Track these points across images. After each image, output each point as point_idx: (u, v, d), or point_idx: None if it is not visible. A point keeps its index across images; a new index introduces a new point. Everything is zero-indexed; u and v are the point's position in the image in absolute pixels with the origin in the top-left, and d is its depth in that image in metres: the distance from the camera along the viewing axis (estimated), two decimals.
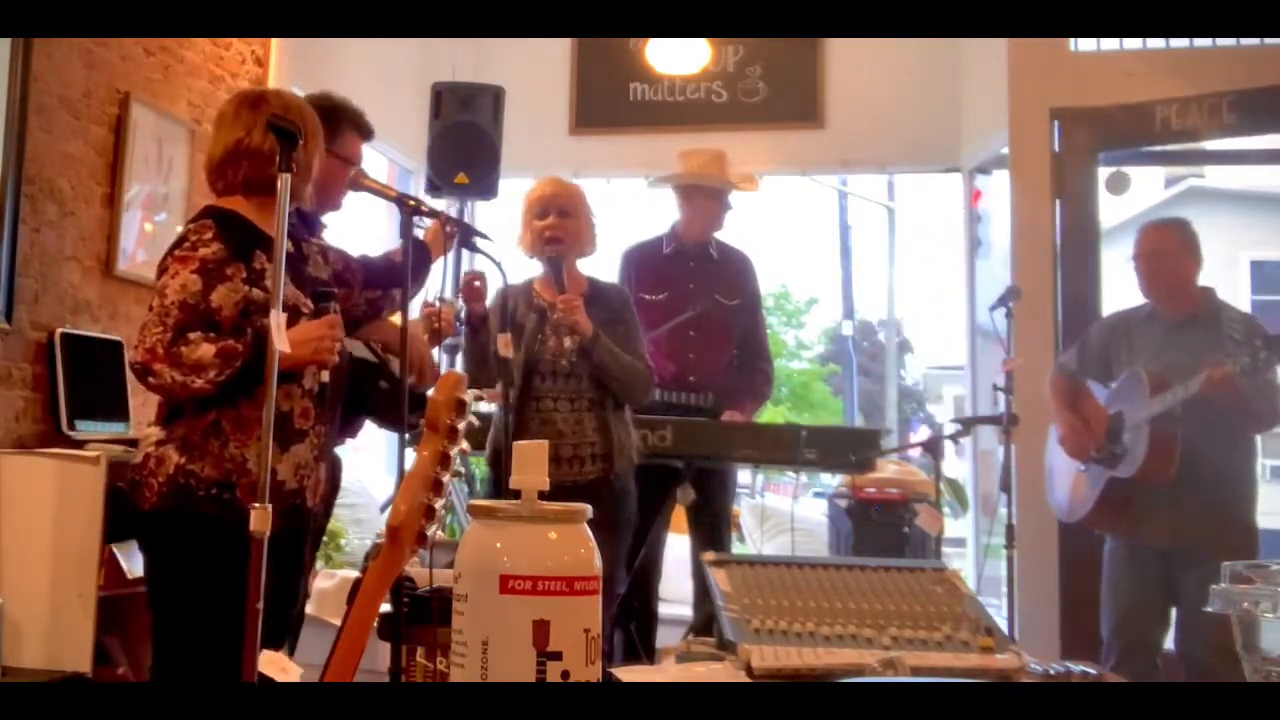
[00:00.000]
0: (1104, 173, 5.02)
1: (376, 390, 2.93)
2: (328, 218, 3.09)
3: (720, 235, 4.43)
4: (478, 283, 3.23)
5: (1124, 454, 3.56)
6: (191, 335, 2.28)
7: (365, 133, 3.05)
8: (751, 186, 4.41)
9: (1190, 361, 3.40)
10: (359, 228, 5.21)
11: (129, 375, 3.30)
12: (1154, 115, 4.72)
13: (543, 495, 1.12)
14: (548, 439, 3.24)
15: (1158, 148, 5.02)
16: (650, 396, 3.65)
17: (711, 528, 4.10)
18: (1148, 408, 3.46)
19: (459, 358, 4.27)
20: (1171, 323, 3.64)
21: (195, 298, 2.31)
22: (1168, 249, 3.69)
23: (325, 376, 2.50)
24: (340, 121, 2.98)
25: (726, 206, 4.36)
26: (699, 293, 4.24)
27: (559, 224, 3.39)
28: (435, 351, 3.20)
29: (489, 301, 3.36)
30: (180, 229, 2.47)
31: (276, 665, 1.94)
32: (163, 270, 2.36)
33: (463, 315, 3.34)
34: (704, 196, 4.30)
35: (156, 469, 2.33)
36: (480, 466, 4.44)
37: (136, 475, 2.37)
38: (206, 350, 2.27)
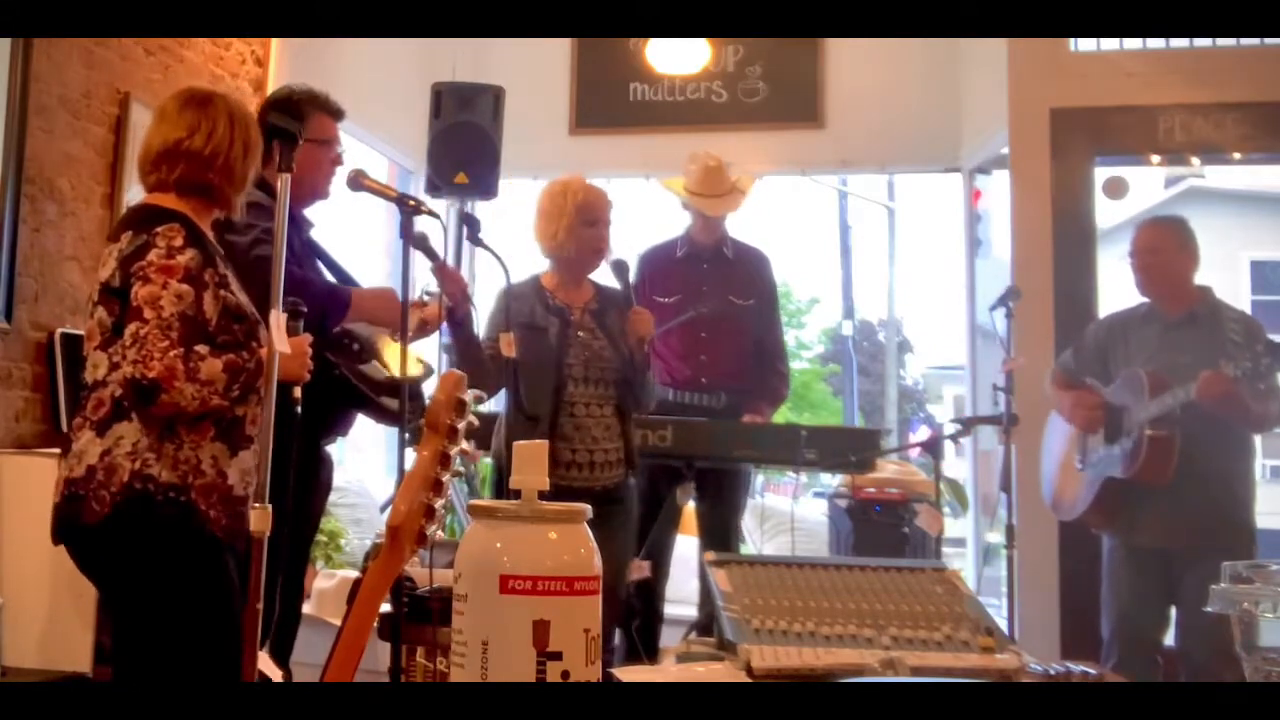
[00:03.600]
0: (1103, 174, 5.03)
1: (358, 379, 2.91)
2: (319, 215, 3.09)
3: (734, 234, 4.44)
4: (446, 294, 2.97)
5: (1122, 453, 3.55)
6: (199, 349, 2.22)
7: (334, 112, 3.03)
8: (740, 197, 4.39)
9: (1188, 361, 3.39)
10: (358, 228, 5.22)
11: None
12: (1157, 123, 4.72)
13: (562, 496, 1.12)
14: (584, 445, 3.27)
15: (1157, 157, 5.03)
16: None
17: (720, 528, 4.10)
18: (1146, 409, 3.46)
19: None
20: (1169, 322, 3.64)
21: (193, 309, 2.25)
22: (1164, 246, 3.69)
23: (297, 391, 2.46)
24: (302, 106, 2.96)
25: (729, 209, 4.36)
26: (711, 294, 4.24)
27: (607, 235, 3.39)
28: (433, 352, 3.18)
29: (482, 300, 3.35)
30: (129, 231, 2.32)
31: (268, 665, 1.93)
32: (141, 279, 2.23)
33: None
34: (710, 208, 4.32)
35: (107, 480, 2.22)
36: (484, 467, 4.42)
37: (81, 490, 2.23)
38: (215, 365, 2.22)
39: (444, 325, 3.07)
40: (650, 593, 4.05)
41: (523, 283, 3.43)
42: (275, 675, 1.95)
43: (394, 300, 2.75)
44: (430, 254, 2.76)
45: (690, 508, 4.33)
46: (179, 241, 2.27)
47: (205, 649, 2.23)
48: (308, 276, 2.86)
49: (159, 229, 2.28)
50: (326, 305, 2.80)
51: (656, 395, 3.59)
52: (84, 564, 2.34)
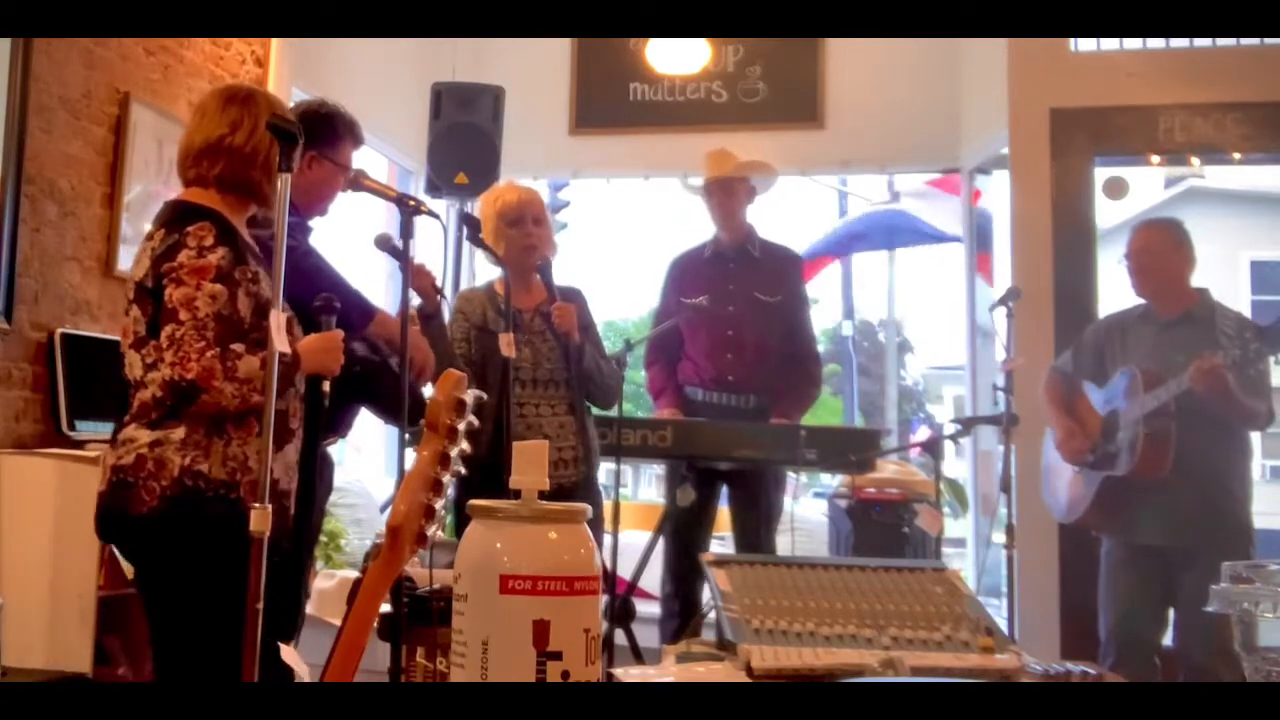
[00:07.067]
0: (1103, 174, 5.03)
1: (380, 383, 2.93)
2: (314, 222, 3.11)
3: (764, 234, 4.43)
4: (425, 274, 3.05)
5: (1118, 452, 3.56)
6: (235, 347, 2.25)
7: (359, 140, 3.07)
8: (736, 178, 4.36)
9: (1183, 359, 3.41)
10: (359, 229, 5.21)
11: None
12: (1157, 123, 4.72)
13: (517, 495, 1.12)
14: None
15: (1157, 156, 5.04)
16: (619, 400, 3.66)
17: (751, 532, 4.10)
18: (1141, 404, 3.47)
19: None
20: (1164, 322, 3.65)
21: (227, 308, 2.28)
22: (1158, 247, 3.71)
23: (326, 386, 2.50)
24: (339, 128, 3.00)
25: (741, 197, 4.34)
26: (738, 292, 4.23)
27: (536, 233, 3.41)
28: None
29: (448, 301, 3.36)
30: (161, 229, 2.36)
31: (293, 659, 1.93)
32: (174, 281, 2.26)
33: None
34: (719, 193, 4.31)
35: (157, 471, 2.25)
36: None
37: (129, 477, 2.27)
38: (252, 363, 2.25)
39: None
40: (691, 598, 4.07)
41: (476, 288, 3.54)
42: (302, 670, 1.95)
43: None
44: (395, 252, 2.77)
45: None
46: (209, 240, 2.30)
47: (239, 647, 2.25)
48: (338, 277, 2.91)
49: (190, 228, 2.31)
50: (352, 308, 2.85)
51: (619, 388, 3.60)
52: (129, 554, 2.40)
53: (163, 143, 4.15)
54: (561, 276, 3.50)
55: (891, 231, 8.26)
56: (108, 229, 3.97)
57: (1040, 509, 4.03)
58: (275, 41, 4.79)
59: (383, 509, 4.88)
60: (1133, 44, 4.86)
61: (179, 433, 2.27)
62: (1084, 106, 4.82)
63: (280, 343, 2.16)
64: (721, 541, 4.76)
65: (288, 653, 1.91)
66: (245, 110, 2.43)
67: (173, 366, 2.22)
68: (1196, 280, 3.71)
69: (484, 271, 5.49)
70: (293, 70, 4.87)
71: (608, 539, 3.50)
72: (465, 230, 3.23)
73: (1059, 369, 3.93)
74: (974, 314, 5.99)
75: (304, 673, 1.94)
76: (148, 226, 2.45)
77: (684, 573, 4.08)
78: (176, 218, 2.37)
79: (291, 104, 3.36)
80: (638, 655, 3.63)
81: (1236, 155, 4.89)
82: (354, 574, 4.20)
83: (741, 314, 4.21)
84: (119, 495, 2.28)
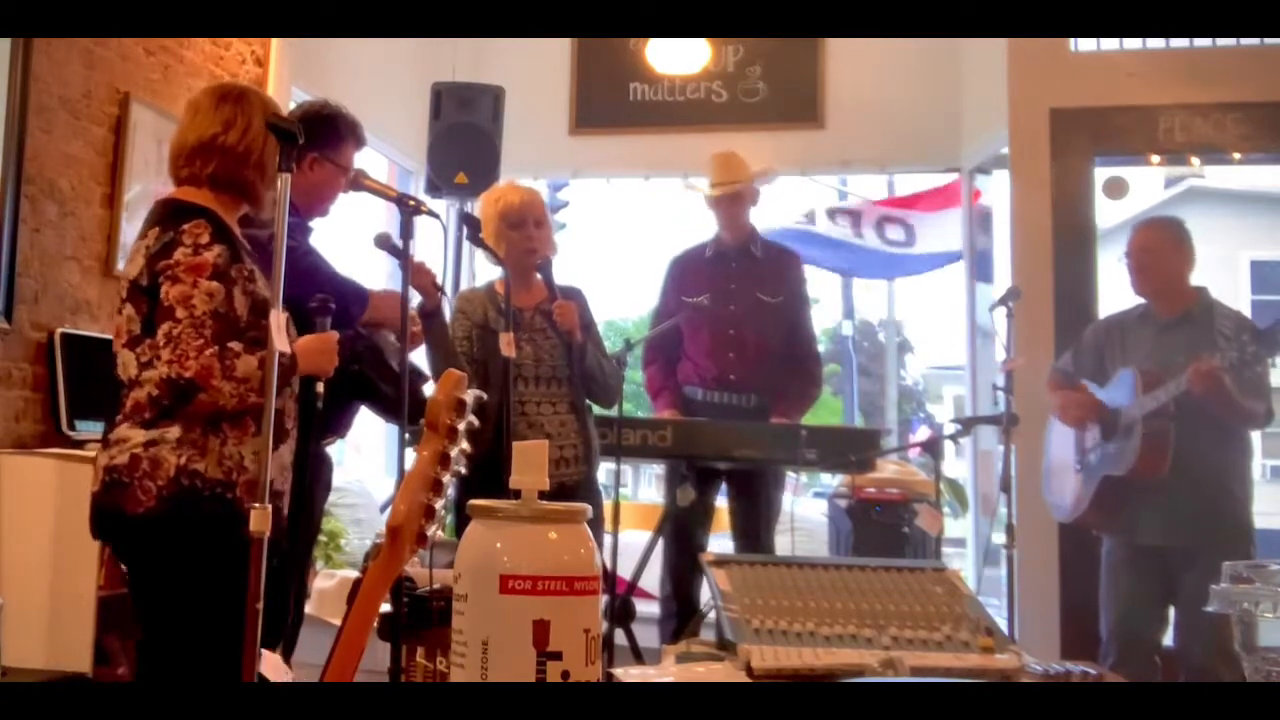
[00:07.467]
0: (1103, 174, 5.03)
1: (376, 373, 2.93)
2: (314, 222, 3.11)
3: (764, 234, 4.43)
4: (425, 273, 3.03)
5: (1118, 450, 3.56)
6: (233, 346, 2.24)
7: (361, 142, 3.07)
8: (746, 184, 4.37)
9: (1183, 359, 3.41)
10: (359, 229, 5.22)
11: None
12: (1157, 123, 4.72)
13: (519, 494, 1.12)
14: None
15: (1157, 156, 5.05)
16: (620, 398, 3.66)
17: (751, 529, 4.09)
18: (1140, 404, 3.47)
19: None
20: (1163, 321, 3.65)
21: (224, 305, 2.27)
22: (1159, 246, 3.71)
23: (320, 387, 2.50)
24: (342, 129, 3.01)
25: (748, 202, 4.35)
26: (740, 292, 4.24)
27: (537, 235, 3.40)
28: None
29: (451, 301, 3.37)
30: (155, 227, 2.34)
31: (270, 665, 1.93)
32: (170, 278, 2.25)
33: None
34: (725, 202, 4.31)
35: (153, 471, 2.23)
36: None
37: (124, 477, 2.24)
38: (250, 362, 2.23)
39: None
40: (688, 599, 4.06)
41: (476, 288, 3.54)
42: (282, 678, 1.95)
43: (399, 302, 2.79)
44: (395, 251, 2.77)
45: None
46: (205, 238, 2.29)
47: (234, 648, 2.25)
48: (334, 272, 2.92)
49: (185, 226, 2.30)
50: (351, 300, 2.86)
51: (620, 386, 3.60)
52: (123, 553, 2.38)
53: (162, 143, 4.13)
54: (561, 276, 3.50)
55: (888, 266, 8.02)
56: (107, 229, 3.97)
57: (1040, 509, 4.03)
58: (275, 41, 4.79)
59: (383, 509, 4.88)
60: (1133, 44, 4.86)
61: (174, 432, 2.25)
62: (1084, 106, 4.82)
63: (280, 342, 2.16)
64: (721, 541, 4.76)
65: (268, 659, 1.91)
66: (238, 109, 2.42)
67: (170, 364, 2.20)
68: (1196, 280, 3.71)
69: (484, 271, 5.49)
70: (293, 70, 4.87)
71: (608, 539, 3.50)
72: (465, 230, 3.23)
73: (1059, 370, 3.93)
74: (974, 314, 5.99)
75: (287, 679, 1.94)
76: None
77: (684, 572, 4.08)
78: (170, 216, 2.35)
79: (292, 104, 3.37)
80: (638, 655, 3.63)
81: (1236, 155, 4.89)
82: (354, 574, 4.20)
83: (743, 313, 4.22)
84: (114, 495, 2.26)
